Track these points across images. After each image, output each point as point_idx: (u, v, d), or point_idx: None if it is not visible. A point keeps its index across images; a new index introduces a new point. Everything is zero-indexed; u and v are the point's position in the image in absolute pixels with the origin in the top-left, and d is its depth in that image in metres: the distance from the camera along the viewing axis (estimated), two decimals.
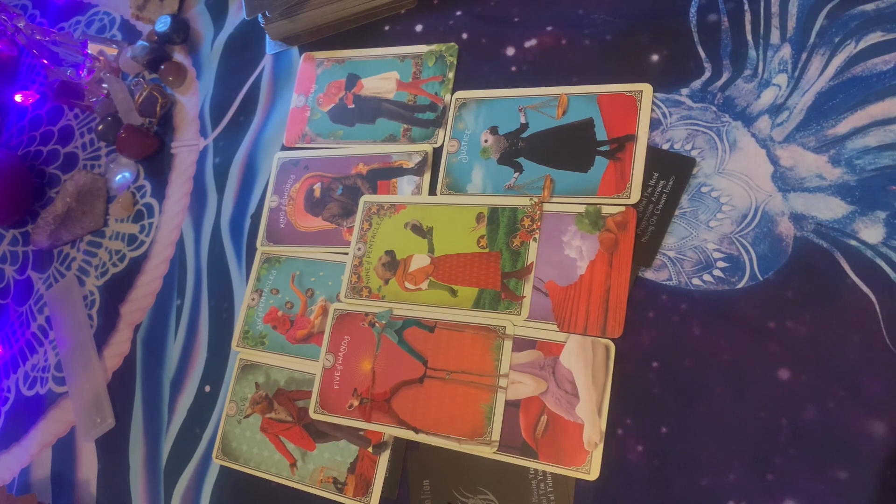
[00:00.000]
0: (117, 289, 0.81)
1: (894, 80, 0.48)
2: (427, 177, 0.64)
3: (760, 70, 0.53)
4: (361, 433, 0.59)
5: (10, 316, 0.91)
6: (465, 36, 0.67)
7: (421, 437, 0.56)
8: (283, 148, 0.73)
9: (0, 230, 0.98)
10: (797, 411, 0.45)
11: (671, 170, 0.54)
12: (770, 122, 0.52)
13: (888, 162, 0.47)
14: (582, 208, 0.55)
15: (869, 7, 0.51)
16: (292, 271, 0.68)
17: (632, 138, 0.56)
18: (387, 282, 0.61)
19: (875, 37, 0.50)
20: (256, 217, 0.72)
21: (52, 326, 0.85)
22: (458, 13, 0.68)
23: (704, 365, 0.48)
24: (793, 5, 0.54)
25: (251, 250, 0.71)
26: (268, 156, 0.74)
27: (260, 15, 0.74)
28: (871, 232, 0.46)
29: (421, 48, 0.69)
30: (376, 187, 0.66)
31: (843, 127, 0.49)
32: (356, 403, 0.59)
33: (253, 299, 0.69)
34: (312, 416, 0.60)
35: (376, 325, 0.60)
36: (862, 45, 0.50)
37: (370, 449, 0.58)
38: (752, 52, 0.54)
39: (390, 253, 0.62)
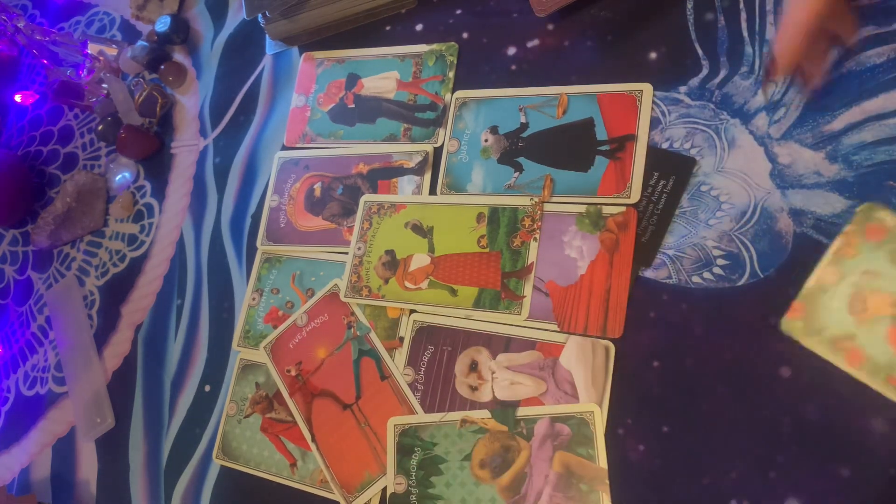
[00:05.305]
0: (117, 289, 0.81)
1: (888, 75, 0.49)
2: (427, 176, 0.64)
3: (757, 66, 0.54)
4: None
5: (10, 316, 0.91)
6: (465, 35, 0.67)
7: (312, 446, 0.59)
8: (284, 148, 0.73)
9: (0, 230, 0.98)
10: (799, 409, 0.45)
11: (671, 169, 0.54)
12: (767, 119, 0.52)
13: (884, 157, 0.47)
14: (582, 208, 0.55)
15: (863, 1, 0.51)
16: (293, 271, 0.68)
17: (632, 138, 0.56)
18: (387, 281, 0.61)
19: (868, 30, 0.50)
20: (257, 217, 0.72)
21: (52, 326, 0.85)
22: (459, 12, 0.68)
23: (705, 363, 0.48)
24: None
25: (251, 250, 0.71)
26: (268, 155, 0.74)
27: (260, 15, 0.74)
28: None
29: (421, 48, 0.69)
30: (377, 187, 0.66)
31: (838, 123, 0.49)
32: (293, 373, 0.62)
33: (253, 299, 0.69)
34: (261, 348, 0.65)
35: (352, 329, 0.61)
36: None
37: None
38: (748, 49, 0.54)
39: (390, 252, 0.62)
